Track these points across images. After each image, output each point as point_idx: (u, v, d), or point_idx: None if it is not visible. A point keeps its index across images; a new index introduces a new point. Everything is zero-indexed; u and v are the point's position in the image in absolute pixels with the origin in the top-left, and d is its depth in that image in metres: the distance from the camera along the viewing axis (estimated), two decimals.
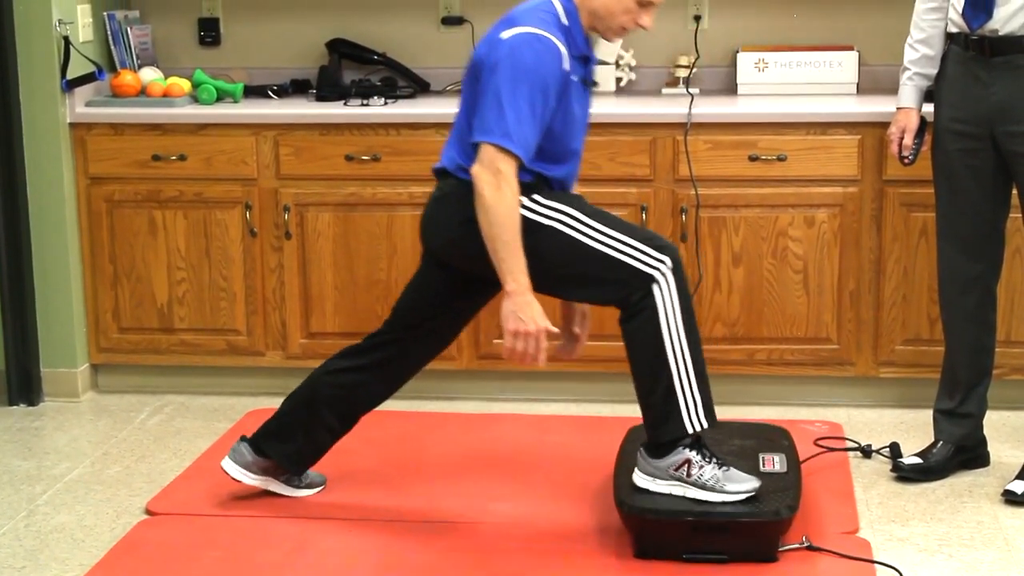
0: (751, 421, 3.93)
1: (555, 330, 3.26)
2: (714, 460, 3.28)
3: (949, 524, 3.55)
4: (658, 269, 3.23)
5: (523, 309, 3.19)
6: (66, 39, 4.46)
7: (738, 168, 4.30)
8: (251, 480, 3.66)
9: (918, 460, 3.84)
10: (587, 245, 3.27)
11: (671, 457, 3.28)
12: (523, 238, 3.19)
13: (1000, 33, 3.56)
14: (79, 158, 4.53)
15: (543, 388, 4.53)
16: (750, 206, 4.32)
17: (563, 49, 3.22)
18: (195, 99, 4.62)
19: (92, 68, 4.56)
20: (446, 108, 4.07)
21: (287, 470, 3.67)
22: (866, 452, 3.99)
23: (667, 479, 3.29)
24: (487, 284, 3.32)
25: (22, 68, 4.44)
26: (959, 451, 3.85)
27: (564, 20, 3.26)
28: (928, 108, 3.80)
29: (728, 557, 3.28)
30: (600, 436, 4.05)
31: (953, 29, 3.67)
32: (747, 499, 3.27)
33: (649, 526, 3.29)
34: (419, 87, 4.81)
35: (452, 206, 3.32)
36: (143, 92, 4.63)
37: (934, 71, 3.75)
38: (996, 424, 4.13)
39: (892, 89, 3.98)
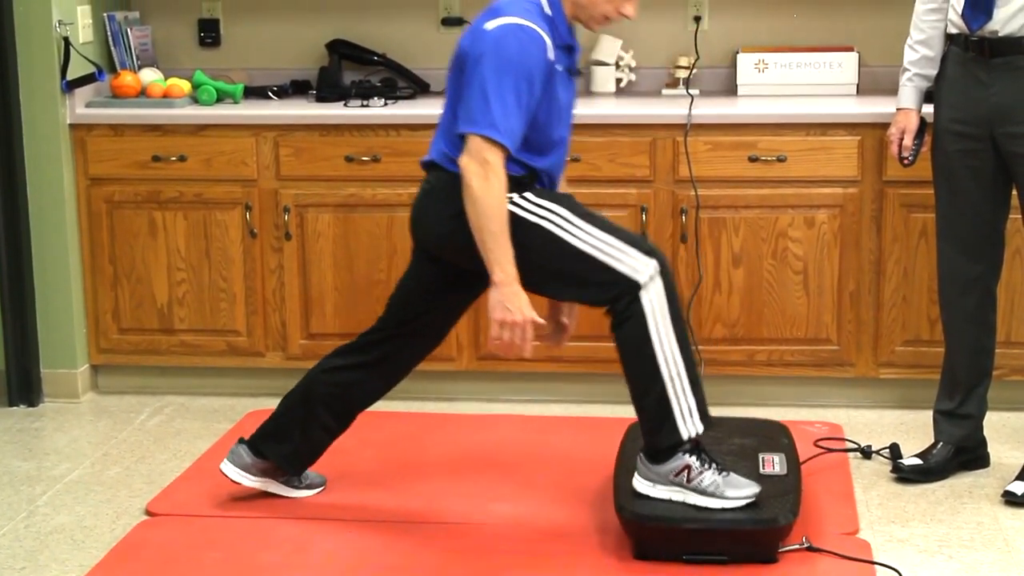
0: (750, 418, 3.92)
1: (541, 321, 3.27)
2: (714, 465, 3.28)
3: (949, 525, 3.55)
4: (644, 273, 3.23)
5: (510, 299, 3.19)
6: (66, 40, 4.46)
7: (738, 169, 4.30)
8: (251, 482, 3.66)
9: (918, 461, 3.84)
10: (574, 246, 3.27)
11: (671, 463, 3.27)
12: (512, 235, 3.20)
13: (1000, 34, 3.56)
14: (79, 159, 4.53)
15: (543, 389, 4.53)
16: (750, 207, 4.32)
17: (547, 39, 3.23)
18: (195, 100, 4.62)
19: (92, 69, 4.56)
20: None
21: (286, 471, 3.67)
22: (866, 453, 3.99)
23: (667, 485, 3.28)
24: (478, 277, 3.31)
25: (22, 69, 4.44)
26: (959, 452, 3.85)
27: (547, 10, 3.28)
28: (928, 109, 3.80)
29: (728, 559, 3.28)
30: (600, 437, 4.05)
31: (953, 30, 3.67)
32: (747, 505, 3.26)
33: (649, 532, 3.29)
34: (419, 88, 4.81)
35: (442, 200, 3.33)
36: (143, 93, 4.63)
37: (934, 72, 3.75)
38: (996, 425, 4.13)
39: (892, 90, 3.98)
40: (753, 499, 3.27)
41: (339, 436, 3.67)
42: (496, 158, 3.17)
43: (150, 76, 4.69)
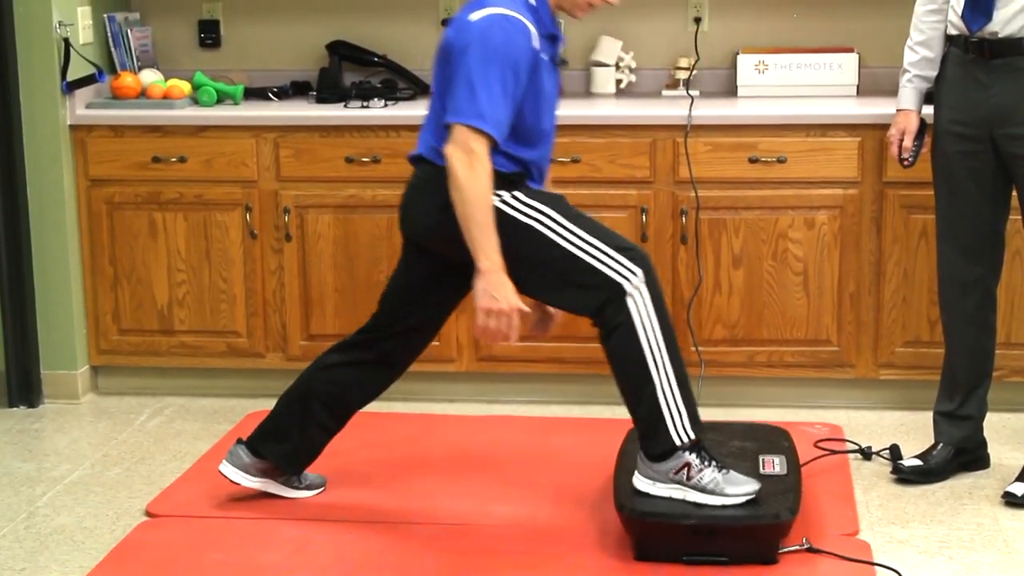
0: (751, 422, 3.93)
1: (527, 309, 3.27)
2: (714, 463, 3.28)
3: (949, 526, 3.55)
4: (628, 280, 3.23)
5: (495, 287, 3.19)
6: (66, 41, 4.46)
7: (738, 170, 4.30)
8: (250, 482, 3.66)
9: (918, 462, 3.84)
10: (560, 247, 3.28)
11: (671, 461, 3.28)
12: (500, 234, 3.20)
13: (1000, 35, 3.57)
14: (79, 160, 4.53)
15: (543, 390, 4.53)
16: (750, 208, 4.32)
17: (532, 28, 3.24)
18: (195, 101, 4.63)
19: (92, 70, 4.56)
20: None
21: (285, 471, 3.67)
22: (866, 454, 3.99)
23: (667, 483, 3.29)
24: (469, 269, 3.31)
25: (22, 70, 4.44)
26: (959, 453, 3.85)
27: (531, 0, 3.28)
28: (928, 110, 3.80)
29: (728, 559, 3.28)
30: (600, 438, 4.05)
31: (953, 31, 3.67)
32: (747, 502, 3.27)
33: (649, 530, 3.29)
34: (419, 89, 4.81)
35: (429, 193, 3.33)
36: (143, 94, 4.63)
37: (934, 73, 3.75)
38: (996, 426, 4.13)
39: (892, 91, 3.98)
40: (753, 496, 3.27)
41: (336, 435, 3.66)
42: (482, 147, 3.18)
43: (150, 77, 4.69)
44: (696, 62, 4.72)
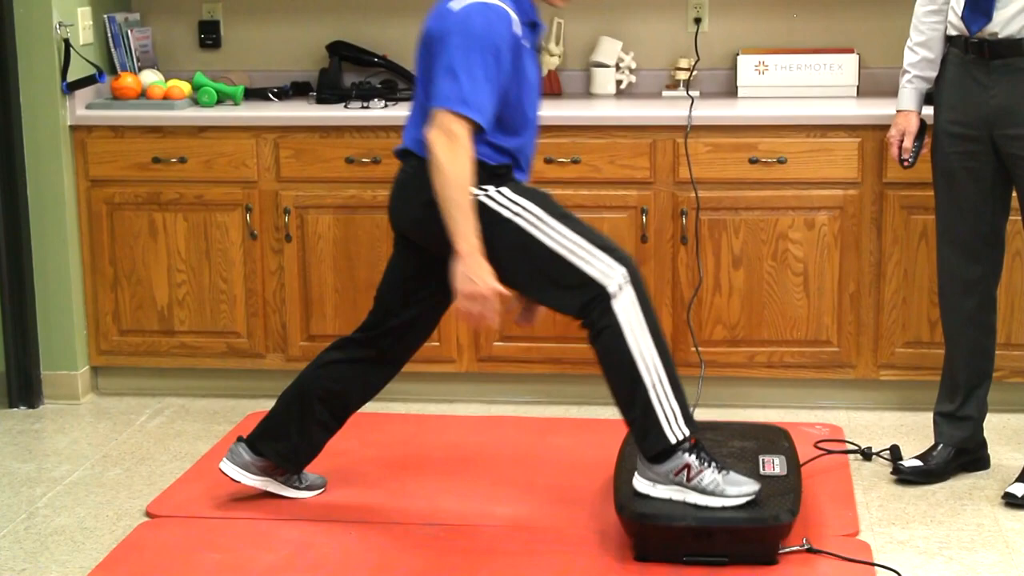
0: (750, 422, 3.93)
1: (507, 292, 3.25)
2: (713, 464, 3.28)
3: (949, 527, 3.55)
4: (613, 279, 3.23)
5: (473, 271, 3.18)
6: (66, 41, 4.46)
7: (738, 171, 4.30)
8: (250, 480, 3.66)
9: (918, 463, 3.84)
10: (545, 245, 3.28)
11: (670, 462, 3.27)
12: (484, 230, 3.20)
13: (999, 36, 3.57)
14: (79, 160, 4.54)
15: (543, 391, 4.53)
16: (750, 208, 4.32)
17: (513, 15, 3.24)
18: (195, 102, 4.63)
19: (92, 70, 4.56)
20: None
21: (284, 469, 3.67)
22: (866, 455, 3.99)
23: (667, 484, 3.28)
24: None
25: (22, 70, 4.44)
26: (959, 454, 3.85)
27: None
28: (928, 111, 3.80)
29: (728, 560, 3.28)
30: (600, 439, 4.05)
31: (952, 32, 3.67)
32: (747, 503, 3.27)
33: (649, 531, 3.29)
34: None
35: (416, 188, 3.33)
36: (143, 94, 4.63)
37: (934, 74, 3.75)
38: (996, 427, 4.13)
39: (892, 92, 3.98)
40: (753, 497, 3.27)
41: (336, 433, 3.66)
42: (463, 131, 3.18)
43: (150, 78, 4.70)
44: (696, 63, 4.72)
